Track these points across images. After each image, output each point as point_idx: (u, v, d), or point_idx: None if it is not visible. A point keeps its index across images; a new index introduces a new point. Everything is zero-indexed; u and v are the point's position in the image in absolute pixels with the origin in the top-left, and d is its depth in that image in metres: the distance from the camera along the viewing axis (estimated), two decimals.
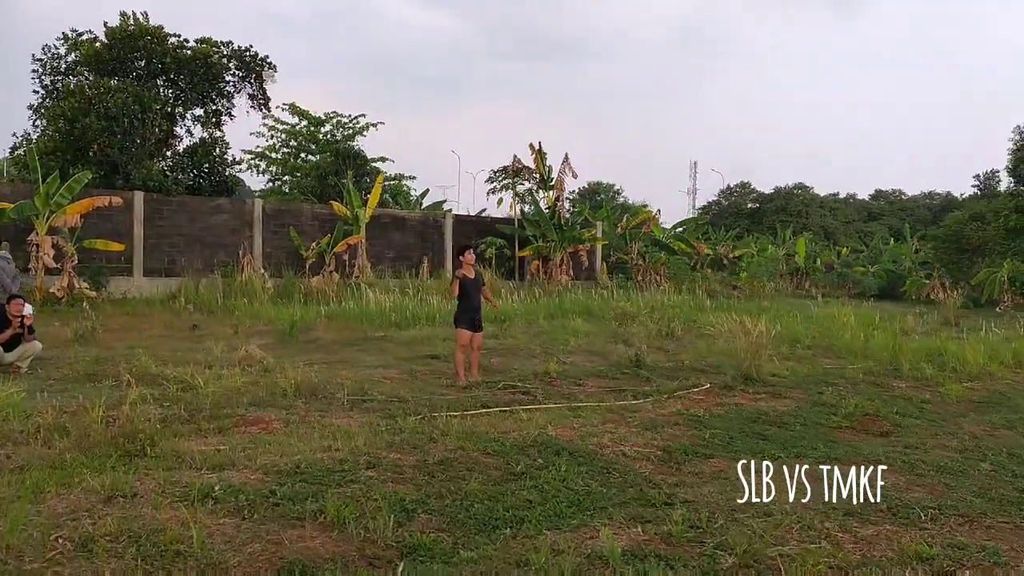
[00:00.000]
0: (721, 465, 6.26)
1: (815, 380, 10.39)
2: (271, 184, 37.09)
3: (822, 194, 70.77)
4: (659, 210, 35.31)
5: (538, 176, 27.45)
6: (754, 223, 63.13)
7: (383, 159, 36.85)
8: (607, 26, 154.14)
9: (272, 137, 38.21)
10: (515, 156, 27.20)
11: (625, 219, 31.38)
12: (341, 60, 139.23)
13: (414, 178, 38.86)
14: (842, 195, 75.58)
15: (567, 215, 26.64)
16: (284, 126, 37.83)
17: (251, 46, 23.97)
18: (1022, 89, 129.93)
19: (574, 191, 34.86)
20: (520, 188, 27.90)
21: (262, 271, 21.44)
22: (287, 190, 36.14)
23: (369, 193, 24.61)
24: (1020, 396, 9.80)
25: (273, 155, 38.74)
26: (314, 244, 23.07)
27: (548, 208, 26.76)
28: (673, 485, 5.64)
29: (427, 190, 38.90)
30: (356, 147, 38.27)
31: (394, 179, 36.29)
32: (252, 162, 35.70)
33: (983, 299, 29.98)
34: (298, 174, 37.36)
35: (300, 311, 16.44)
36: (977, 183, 72.16)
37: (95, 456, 5.75)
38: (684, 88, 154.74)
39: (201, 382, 8.46)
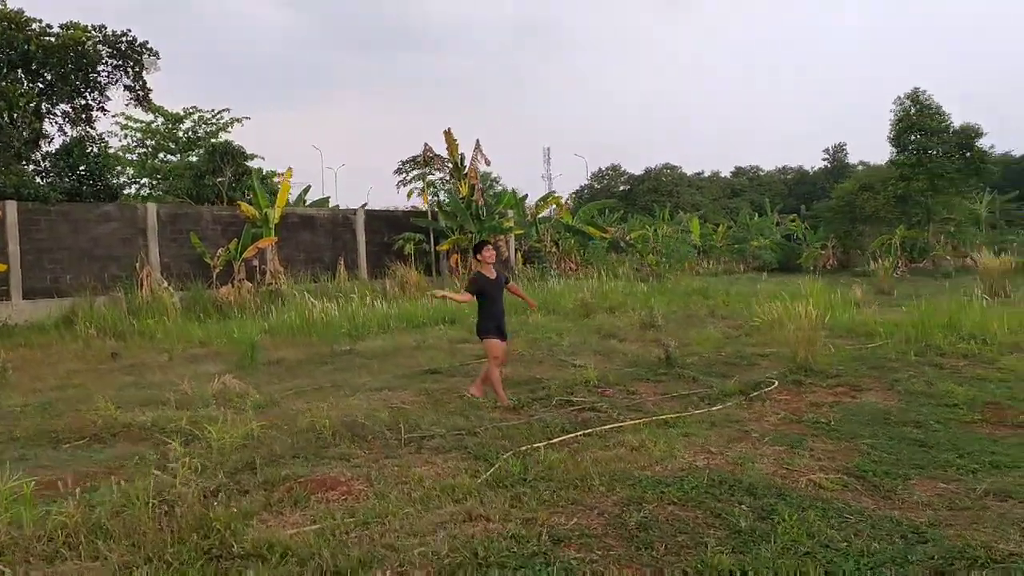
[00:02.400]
0: (933, 488, 5.24)
1: (869, 365, 9.63)
2: (128, 190, 33.57)
3: (689, 173, 72.42)
4: (570, 195, 34.55)
5: (451, 164, 25.90)
6: (628, 204, 63.80)
7: (254, 156, 34.26)
8: (452, 18, 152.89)
9: (126, 136, 34.76)
10: (426, 144, 25.55)
11: (535, 205, 30.33)
12: (176, 55, 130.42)
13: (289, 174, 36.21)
14: (707, 173, 77.79)
15: (483, 204, 25.22)
16: (138, 124, 34.43)
17: (128, 31, 21.04)
18: (856, 69, 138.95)
19: (491, 174, 33.36)
20: (431, 178, 26.25)
21: (164, 284, 18.91)
22: (148, 194, 32.86)
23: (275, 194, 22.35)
24: None
25: (128, 156, 35.22)
26: (220, 250, 20.62)
27: (463, 198, 25.28)
28: (930, 525, 4.53)
29: (308, 186, 36.53)
30: (234, 143, 35.56)
31: (269, 176, 33.68)
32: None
33: (878, 266, 30.97)
34: (159, 176, 34.13)
35: (235, 326, 14.35)
36: (827, 156, 76.35)
37: (170, 565, 4.04)
38: (536, 76, 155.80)
39: (213, 432, 6.64)
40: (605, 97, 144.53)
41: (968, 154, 32.71)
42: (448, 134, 25.35)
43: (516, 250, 28.53)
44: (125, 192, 31.98)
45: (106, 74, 21.48)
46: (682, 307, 17.34)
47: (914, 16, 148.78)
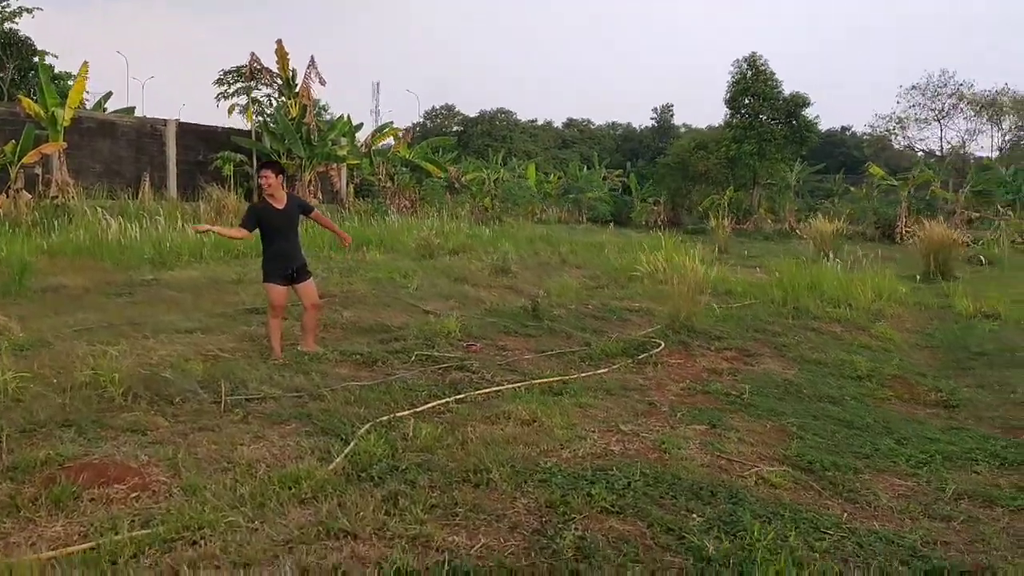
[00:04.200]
0: (893, 486, 4.35)
1: (748, 327, 8.88)
2: None
3: (523, 120, 71.76)
4: (410, 127, 32.52)
5: (281, 80, 23.27)
6: (460, 146, 62.24)
7: (45, 52, 29.60)
8: None
9: None
10: (253, 55, 22.64)
11: (371, 136, 28.13)
12: None
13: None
14: (540, 122, 77.47)
15: (315, 128, 22.88)
16: None
17: None
18: (690, 33, 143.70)
19: (319, 101, 30.53)
20: (257, 94, 23.55)
21: None
22: None
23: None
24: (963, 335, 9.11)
25: None
26: None
27: (292, 119, 22.80)
28: (925, 543, 3.58)
29: (110, 93, 32.18)
30: (20, 32, 30.53)
31: (63, 78, 29.28)
32: None
33: (708, 224, 31.57)
34: None
35: (2, 243, 11.70)
36: (655, 115, 78.18)
37: None
38: (366, 7, 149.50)
39: None
40: (438, 35, 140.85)
41: (794, 122, 33.87)
42: (280, 47, 22.70)
43: (348, 182, 26.40)
44: None
45: None
46: (531, 254, 16.26)
47: None
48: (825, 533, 3.59)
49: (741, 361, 7.31)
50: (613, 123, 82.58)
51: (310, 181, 23.20)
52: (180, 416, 4.89)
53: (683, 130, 70.32)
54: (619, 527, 3.48)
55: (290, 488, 3.76)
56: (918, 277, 14.54)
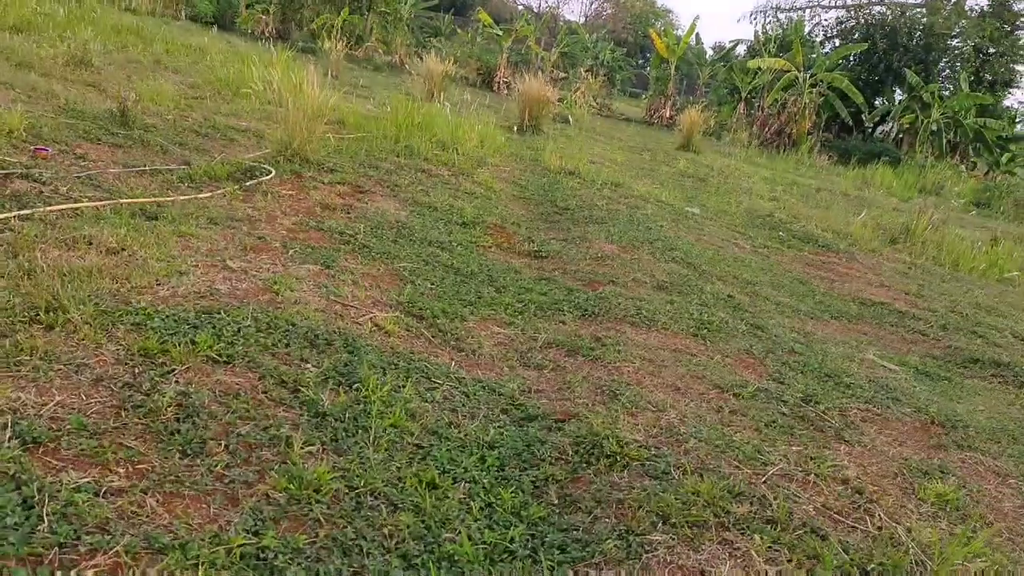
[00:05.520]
0: (492, 333, 4.62)
1: (361, 162, 8.68)
2: None
3: None
4: None
5: None
6: None
7: None
8: None
9: None
10: None
11: None
12: None
13: None
14: None
15: None
16: None
17: None
18: None
19: None
20: None
21: None
22: None
23: None
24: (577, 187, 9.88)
25: None
26: None
27: None
28: (522, 392, 3.85)
29: None
30: None
31: None
32: None
33: (319, 45, 30.29)
34: None
35: None
36: None
37: None
38: None
39: None
40: None
41: None
42: None
43: None
44: None
45: None
46: (118, 47, 14.05)
47: None
48: (436, 383, 3.67)
49: (354, 198, 7.12)
50: None
51: None
52: None
53: None
54: (228, 379, 3.16)
55: None
56: (515, 128, 15.51)
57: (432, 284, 5.18)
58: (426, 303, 4.72)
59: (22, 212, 4.69)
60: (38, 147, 6.21)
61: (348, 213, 6.48)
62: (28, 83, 8.89)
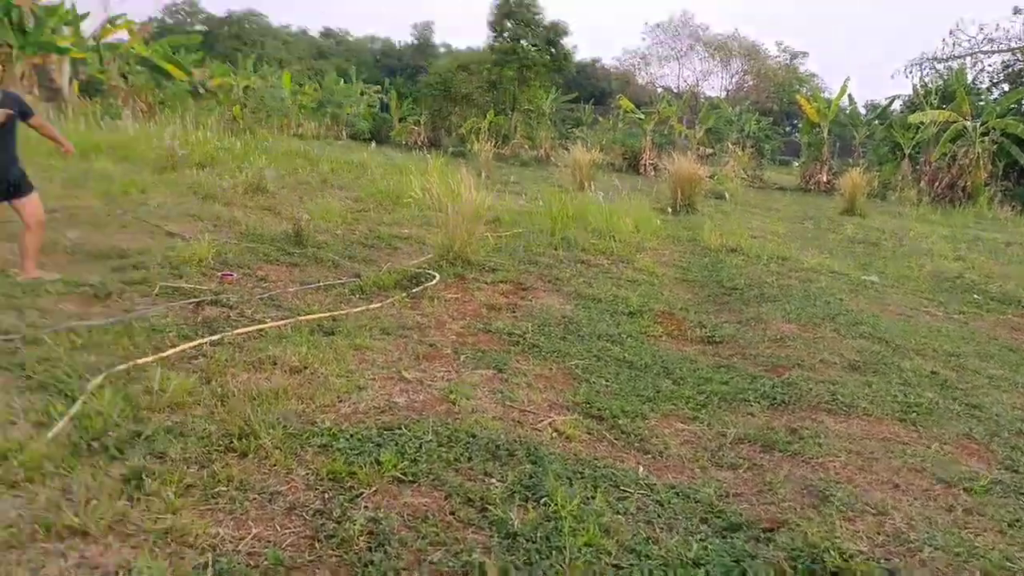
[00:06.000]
0: (678, 431, 4.33)
1: (521, 259, 8.74)
2: None
3: (275, 25, 67.19)
4: (147, 22, 28.83)
5: None
6: (206, 48, 57.12)
7: None
8: None
9: None
10: None
11: (100, 28, 24.63)
12: None
13: None
14: (294, 28, 72.94)
15: (31, 12, 19.53)
16: None
17: None
18: None
19: None
20: None
21: None
22: None
23: None
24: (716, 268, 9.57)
25: None
26: None
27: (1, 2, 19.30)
28: (720, 497, 3.53)
29: None
30: None
31: None
32: None
33: (468, 147, 31.54)
34: None
35: None
36: (415, 32, 76.34)
37: None
38: None
39: None
40: None
41: (553, 50, 34.43)
42: None
43: (72, 79, 23.08)
44: None
45: None
46: (288, 171, 15.11)
47: None
48: (626, 491, 3.43)
49: (518, 296, 7.11)
50: (372, 36, 79.60)
51: (23, 74, 19.96)
52: None
53: (442, 50, 69.42)
54: (415, 501, 3.07)
55: None
56: (669, 210, 15.30)
57: (607, 381, 4.99)
58: (604, 402, 4.53)
59: (213, 337, 4.94)
60: (225, 273, 6.62)
61: (514, 312, 6.45)
62: (213, 213, 9.63)
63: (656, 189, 18.50)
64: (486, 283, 7.40)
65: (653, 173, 29.86)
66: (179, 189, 11.15)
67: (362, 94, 42.60)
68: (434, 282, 7.06)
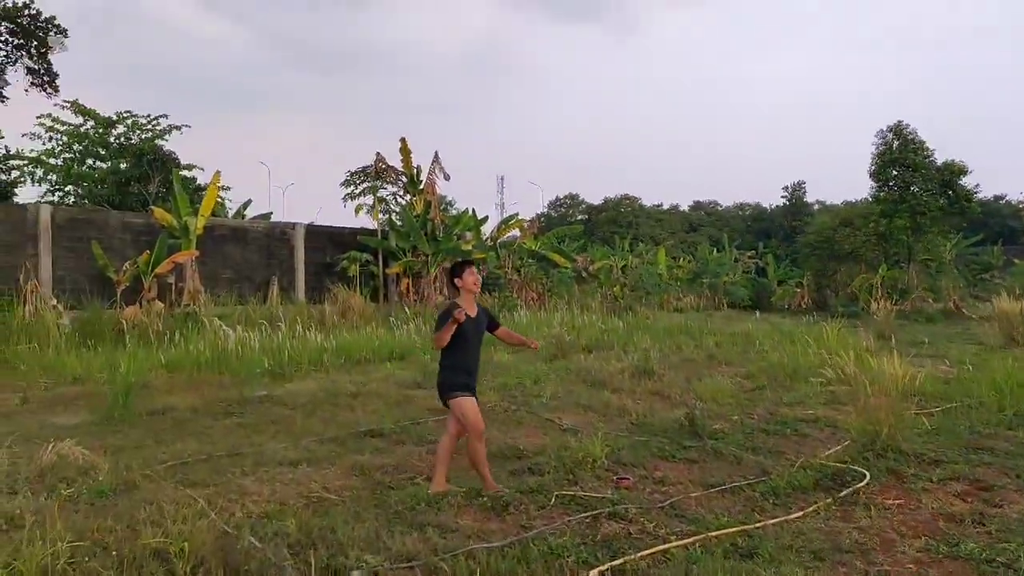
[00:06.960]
0: None
1: (966, 445, 7.07)
2: (51, 196, 29.80)
3: (647, 205, 70.49)
4: (535, 218, 32.03)
5: (405, 178, 23.12)
6: (586, 235, 61.50)
7: (191, 166, 30.88)
8: (402, 44, 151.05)
9: (51, 139, 31.04)
10: (378, 154, 22.69)
11: (496, 229, 27.62)
12: (116, 65, 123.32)
13: (229, 188, 32.74)
14: (665, 206, 75.93)
15: (441, 224, 22.47)
16: (65, 127, 30.80)
17: (30, 2, 17.85)
18: (815, 109, 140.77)
19: (446, 197, 30.64)
20: (383, 192, 23.45)
21: (54, 302, 15.69)
22: (73, 201, 29.23)
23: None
24: None
25: (52, 161, 31.52)
26: (127, 264, 17.44)
27: (417, 216, 22.47)
28: None
29: (249, 200, 33.14)
30: (167, 148, 32.09)
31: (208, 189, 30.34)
32: (26, 168, 28.59)
33: (859, 306, 29.02)
34: (86, 183, 30.53)
35: (123, 359, 11.27)
36: (786, 193, 75.04)
37: None
38: (488, 103, 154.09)
39: None
40: (561, 125, 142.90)
41: (951, 192, 31.11)
42: (403, 144, 22.62)
43: None
44: (47, 199, 28.33)
45: (5, 53, 18.27)
46: (672, 348, 14.74)
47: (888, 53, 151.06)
48: None
49: (980, 499, 5.57)
50: (741, 203, 79.81)
51: (436, 277, 22.65)
52: None
53: (816, 207, 67.29)
54: None
55: None
56: None
57: None
58: None
59: (614, 563, 4.31)
60: (620, 477, 6.08)
61: (983, 524, 4.97)
62: (603, 401, 9.38)
63: None
64: (931, 481, 5.95)
65: None
66: (569, 377, 11.21)
67: (736, 260, 42.20)
68: (864, 482, 5.83)
